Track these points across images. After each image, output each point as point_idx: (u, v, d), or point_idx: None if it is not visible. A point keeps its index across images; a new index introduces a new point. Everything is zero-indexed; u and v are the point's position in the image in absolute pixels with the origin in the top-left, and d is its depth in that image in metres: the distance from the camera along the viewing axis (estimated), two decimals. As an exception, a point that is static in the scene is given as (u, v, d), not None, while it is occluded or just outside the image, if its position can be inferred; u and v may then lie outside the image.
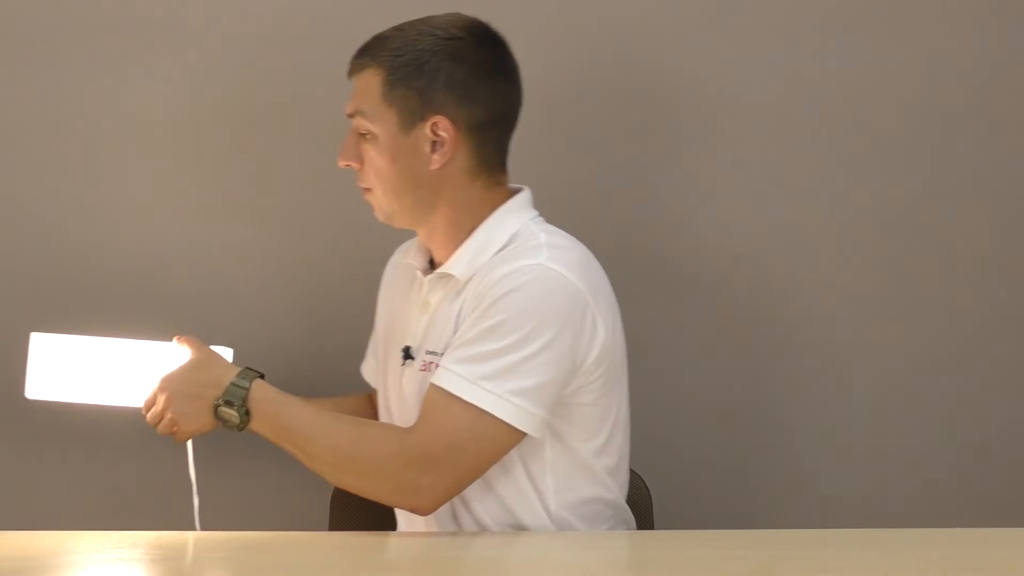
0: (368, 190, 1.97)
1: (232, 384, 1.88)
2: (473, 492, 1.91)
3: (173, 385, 1.91)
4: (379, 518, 2.20)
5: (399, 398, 2.01)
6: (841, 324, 2.42)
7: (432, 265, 2.02)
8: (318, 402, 2.02)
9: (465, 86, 1.91)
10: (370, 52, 1.94)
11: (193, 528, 1.97)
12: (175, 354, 1.96)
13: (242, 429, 1.89)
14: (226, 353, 1.99)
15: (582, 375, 1.89)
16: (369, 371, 2.20)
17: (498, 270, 1.88)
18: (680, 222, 2.38)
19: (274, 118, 2.33)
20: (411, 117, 1.91)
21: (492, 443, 1.85)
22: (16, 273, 2.31)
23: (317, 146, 2.28)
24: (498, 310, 1.84)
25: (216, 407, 1.89)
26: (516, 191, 1.99)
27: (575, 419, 1.91)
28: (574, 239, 1.96)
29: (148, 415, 1.93)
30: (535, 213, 1.98)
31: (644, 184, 2.36)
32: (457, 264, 1.94)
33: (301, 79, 2.32)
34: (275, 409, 1.88)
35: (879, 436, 2.43)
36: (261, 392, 1.88)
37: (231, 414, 1.88)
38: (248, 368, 1.91)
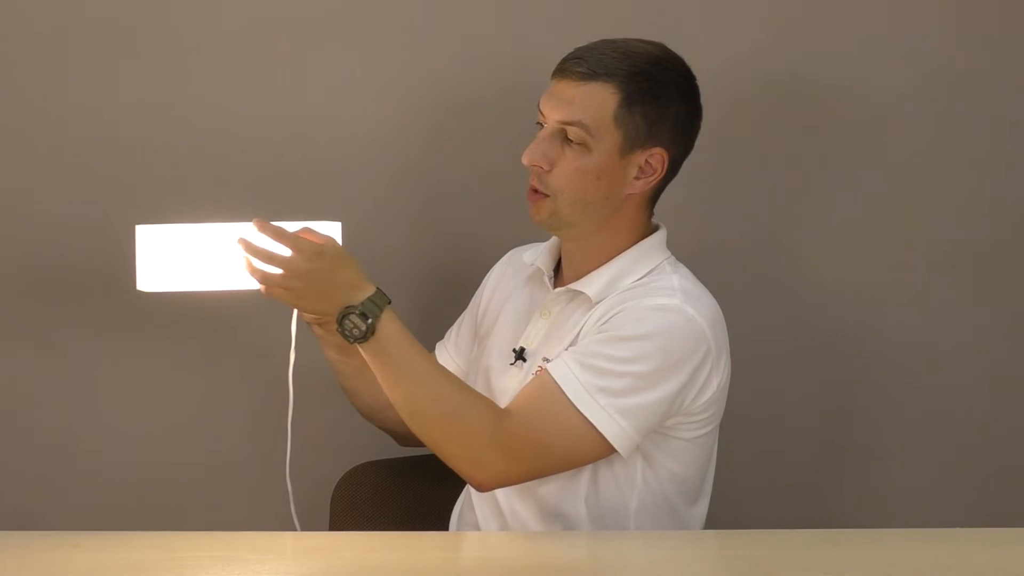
0: (540, 194, 1.96)
1: (370, 299, 1.86)
2: (565, 496, 1.95)
3: (306, 279, 1.87)
4: (379, 518, 2.21)
5: (503, 394, 2.00)
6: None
7: (556, 272, 2.04)
8: None
9: (685, 126, 1.97)
10: (603, 66, 1.92)
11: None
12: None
13: (352, 343, 1.86)
14: (334, 227, 1.96)
15: (684, 415, 1.92)
16: (445, 354, 2.19)
17: (640, 302, 1.91)
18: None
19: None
20: (634, 143, 1.93)
21: (582, 452, 1.89)
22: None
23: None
24: (631, 333, 1.88)
25: (346, 313, 1.86)
26: (655, 227, 2.03)
27: (671, 450, 1.95)
28: (702, 287, 1.99)
29: (265, 290, 1.89)
30: (669, 253, 2.01)
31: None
32: (592, 285, 1.96)
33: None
34: (399, 341, 1.86)
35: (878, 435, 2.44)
36: (390, 319, 1.87)
37: (357, 325, 1.85)
38: (380, 290, 1.88)
